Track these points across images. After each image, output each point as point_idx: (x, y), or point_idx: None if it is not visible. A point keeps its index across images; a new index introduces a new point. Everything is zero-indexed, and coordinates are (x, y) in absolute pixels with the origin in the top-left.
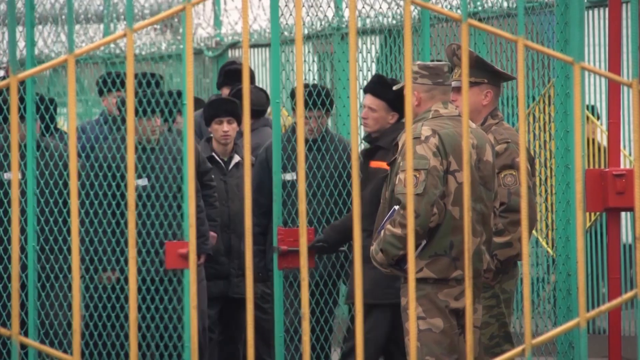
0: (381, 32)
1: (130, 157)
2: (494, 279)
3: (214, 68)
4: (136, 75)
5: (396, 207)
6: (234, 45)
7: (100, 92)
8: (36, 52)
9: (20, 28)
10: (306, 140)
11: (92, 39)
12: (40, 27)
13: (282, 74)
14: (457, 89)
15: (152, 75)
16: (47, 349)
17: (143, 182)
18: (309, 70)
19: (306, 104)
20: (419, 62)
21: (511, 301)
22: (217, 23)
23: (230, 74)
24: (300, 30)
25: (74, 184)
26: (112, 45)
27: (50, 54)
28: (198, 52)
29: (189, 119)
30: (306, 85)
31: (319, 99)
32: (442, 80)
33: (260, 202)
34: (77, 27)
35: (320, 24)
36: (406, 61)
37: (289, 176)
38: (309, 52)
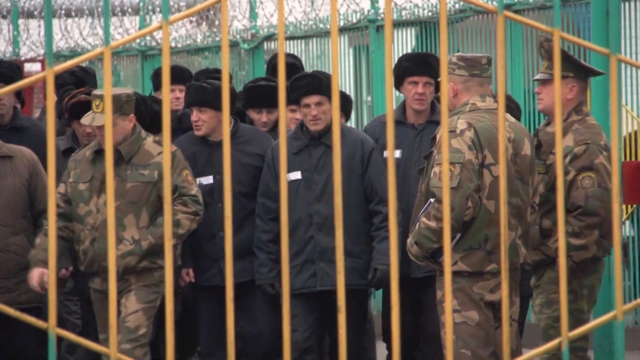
0: (417, 24)
1: (167, 154)
2: (573, 275)
3: (249, 60)
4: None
5: (431, 200)
6: (270, 37)
7: (157, 87)
8: (72, 44)
9: (55, 21)
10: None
11: (128, 31)
12: (76, 19)
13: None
14: (543, 82)
15: (217, 70)
16: (85, 341)
17: (207, 179)
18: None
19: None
20: (457, 54)
21: (592, 296)
22: (253, 15)
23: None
24: (335, 23)
25: (110, 179)
26: (148, 38)
27: (87, 47)
28: (234, 45)
29: (224, 111)
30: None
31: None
32: (479, 72)
33: (268, 207)
34: (113, 19)
35: (356, 16)
36: (442, 53)
37: (293, 175)
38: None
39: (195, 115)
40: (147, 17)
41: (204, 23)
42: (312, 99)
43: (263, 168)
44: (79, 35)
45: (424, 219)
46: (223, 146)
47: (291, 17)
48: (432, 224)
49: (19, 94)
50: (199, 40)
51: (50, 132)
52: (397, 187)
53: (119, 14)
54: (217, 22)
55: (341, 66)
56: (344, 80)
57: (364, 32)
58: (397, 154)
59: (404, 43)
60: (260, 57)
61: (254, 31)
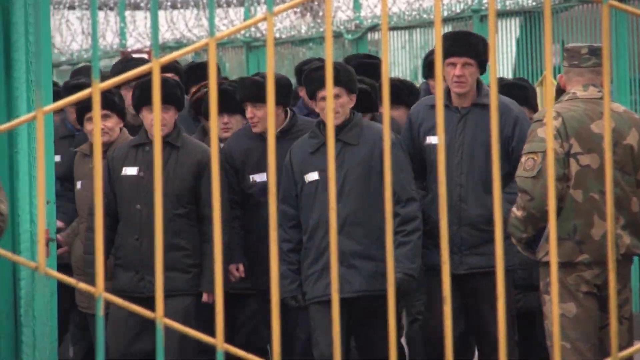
0: (521, 13)
1: (271, 146)
2: None
3: (353, 51)
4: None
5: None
6: (373, 28)
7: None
8: (178, 35)
9: (161, 12)
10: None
11: (233, 23)
12: (182, 11)
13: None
14: None
15: (321, 60)
16: (191, 331)
17: (261, 177)
18: None
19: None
20: (565, 45)
21: None
22: (357, 6)
23: None
24: (439, 13)
25: (215, 175)
26: (252, 29)
27: (192, 38)
28: (337, 35)
29: (328, 103)
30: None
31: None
32: (578, 62)
33: (288, 214)
34: (218, 10)
35: (460, 7)
36: (546, 43)
37: (310, 176)
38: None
39: (250, 112)
40: (252, 8)
41: (308, 14)
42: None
43: (282, 172)
44: (184, 26)
45: (513, 209)
46: (281, 142)
47: (395, 7)
48: (519, 213)
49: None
50: (303, 31)
51: (156, 125)
52: (437, 176)
53: (224, 5)
54: (321, 13)
55: None
56: None
57: (468, 22)
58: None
59: (507, 33)
60: (364, 47)
61: (357, 22)
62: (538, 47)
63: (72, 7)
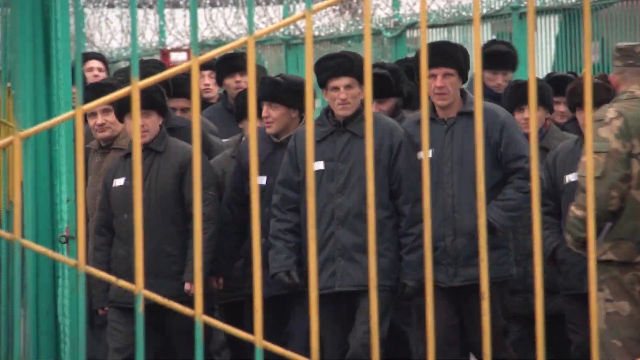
0: (560, 11)
1: (310, 144)
2: None
3: (392, 49)
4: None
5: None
6: (412, 25)
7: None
8: (217, 33)
9: (200, 10)
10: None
11: (272, 21)
12: (221, 9)
13: None
14: None
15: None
16: (230, 328)
17: (261, 180)
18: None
19: None
20: (616, 45)
21: None
22: (396, 3)
23: None
24: (477, 10)
25: (254, 175)
26: (291, 27)
27: (231, 36)
28: (376, 33)
29: (367, 101)
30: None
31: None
32: (634, 61)
33: (288, 197)
34: (257, 8)
35: (499, 4)
36: (585, 40)
37: (315, 165)
38: (486, 32)
39: (265, 111)
40: (291, 6)
41: (347, 12)
42: (342, 81)
43: (284, 156)
44: (223, 24)
45: (572, 208)
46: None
47: (434, 5)
48: (579, 213)
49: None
50: (341, 28)
51: (195, 123)
52: (429, 188)
53: (263, 3)
54: (359, 11)
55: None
56: None
57: (507, 19)
58: (429, 153)
59: (547, 30)
60: (403, 45)
61: (396, 19)
62: (577, 45)
63: (111, 6)
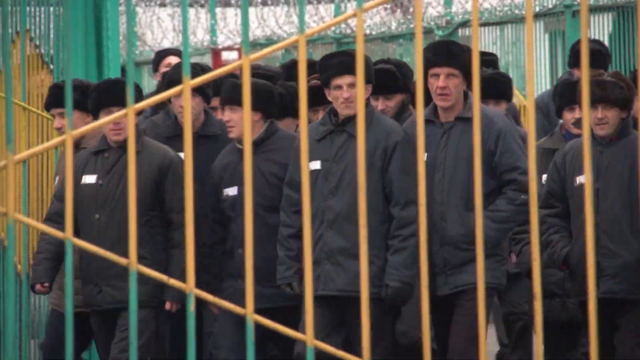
0: (614, 8)
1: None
2: None
3: None
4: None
5: None
6: (464, 24)
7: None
8: (268, 32)
9: (252, 9)
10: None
11: (323, 19)
12: (272, 7)
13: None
14: None
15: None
16: (281, 327)
17: (233, 190)
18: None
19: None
20: None
21: None
22: (447, 2)
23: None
24: (530, 9)
25: (305, 174)
26: (342, 25)
27: (282, 35)
28: (428, 31)
29: (418, 99)
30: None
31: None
32: None
33: (292, 199)
34: (308, 7)
35: (552, 2)
36: (639, 38)
37: (312, 165)
38: (539, 30)
39: (226, 115)
40: (342, 5)
41: (398, 10)
42: (345, 80)
43: (291, 157)
44: (274, 23)
45: None
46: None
47: (486, 3)
48: None
49: (205, 94)
50: (393, 27)
51: (246, 125)
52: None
53: (315, 1)
54: (411, 9)
55: (536, 52)
56: (539, 67)
57: (560, 17)
58: (424, 157)
59: (600, 28)
60: None
61: (448, 18)
62: (631, 43)
63: (163, 5)
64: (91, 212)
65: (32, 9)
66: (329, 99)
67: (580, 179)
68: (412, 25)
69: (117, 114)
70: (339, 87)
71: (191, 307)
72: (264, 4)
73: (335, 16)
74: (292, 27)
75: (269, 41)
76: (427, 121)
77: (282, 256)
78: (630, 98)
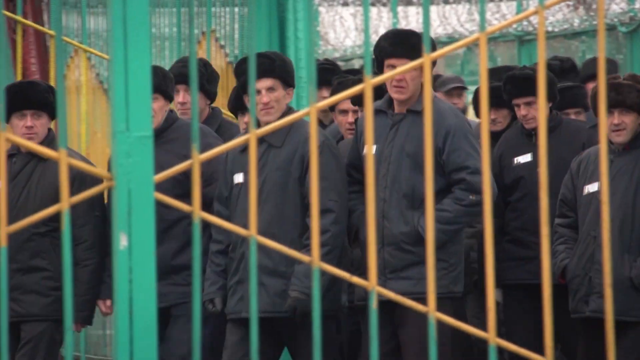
0: None
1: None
2: None
3: (627, 44)
4: None
5: None
6: None
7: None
8: (450, 30)
9: (433, 8)
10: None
11: (505, 17)
12: (454, 5)
13: None
14: None
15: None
16: (464, 325)
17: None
18: None
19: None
20: None
21: None
22: None
23: None
24: None
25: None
26: (524, 23)
27: (464, 33)
28: (611, 28)
29: (601, 97)
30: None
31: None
32: None
33: (223, 214)
34: (489, 4)
35: None
36: None
37: (236, 178)
38: None
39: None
40: (524, 2)
41: (581, 7)
42: (263, 84)
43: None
44: (456, 21)
45: None
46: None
47: None
48: None
49: (206, 91)
50: (575, 24)
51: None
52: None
53: None
54: (594, 6)
55: None
56: None
57: None
58: (373, 149)
59: None
60: (639, 41)
61: (632, 14)
62: None
63: (345, 4)
64: None
65: (217, 10)
66: (247, 106)
67: (588, 188)
68: (595, 22)
69: (300, 112)
70: (257, 91)
71: (373, 304)
72: (446, 2)
73: (517, 13)
74: (473, 25)
75: (451, 39)
76: (379, 111)
77: (209, 272)
78: None
